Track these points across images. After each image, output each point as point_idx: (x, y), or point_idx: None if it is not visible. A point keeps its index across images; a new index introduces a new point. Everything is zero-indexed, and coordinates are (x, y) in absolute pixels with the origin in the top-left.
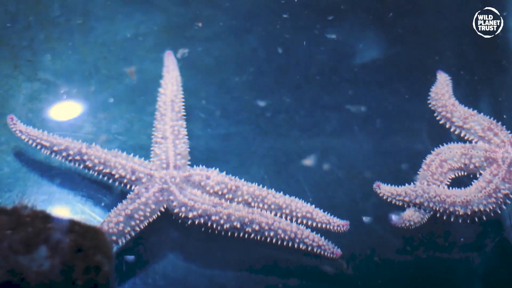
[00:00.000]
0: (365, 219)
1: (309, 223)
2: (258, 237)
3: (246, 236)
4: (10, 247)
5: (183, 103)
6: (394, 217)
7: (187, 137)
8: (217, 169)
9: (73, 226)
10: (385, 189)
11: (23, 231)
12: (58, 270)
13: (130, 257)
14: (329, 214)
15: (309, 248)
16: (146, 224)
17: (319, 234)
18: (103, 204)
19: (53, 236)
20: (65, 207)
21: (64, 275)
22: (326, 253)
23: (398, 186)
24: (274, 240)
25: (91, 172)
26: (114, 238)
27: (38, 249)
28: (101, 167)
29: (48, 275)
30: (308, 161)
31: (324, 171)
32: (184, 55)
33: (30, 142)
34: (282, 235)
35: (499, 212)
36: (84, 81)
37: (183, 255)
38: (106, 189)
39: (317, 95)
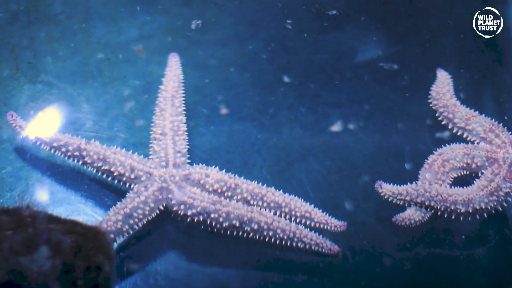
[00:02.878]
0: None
1: (308, 222)
2: (257, 237)
3: (245, 235)
4: (11, 248)
5: (183, 99)
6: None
7: (186, 133)
8: (217, 167)
9: (74, 227)
10: (386, 188)
11: (24, 231)
12: (59, 270)
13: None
14: (327, 214)
15: (307, 247)
16: (145, 222)
17: (317, 233)
18: (104, 204)
19: (54, 236)
20: (67, 207)
21: (65, 275)
22: (324, 250)
23: (400, 186)
24: (272, 240)
25: (89, 169)
26: (112, 236)
27: (39, 249)
28: (100, 164)
29: (49, 275)
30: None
31: (326, 169)
32: (188, 55)
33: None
34: (281, 235)
35: (500, 209)
36: (87, 82)
37: (184, 255)
38: (108, 190)
39: (319, 92)
